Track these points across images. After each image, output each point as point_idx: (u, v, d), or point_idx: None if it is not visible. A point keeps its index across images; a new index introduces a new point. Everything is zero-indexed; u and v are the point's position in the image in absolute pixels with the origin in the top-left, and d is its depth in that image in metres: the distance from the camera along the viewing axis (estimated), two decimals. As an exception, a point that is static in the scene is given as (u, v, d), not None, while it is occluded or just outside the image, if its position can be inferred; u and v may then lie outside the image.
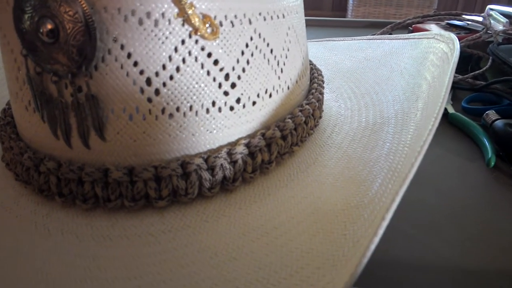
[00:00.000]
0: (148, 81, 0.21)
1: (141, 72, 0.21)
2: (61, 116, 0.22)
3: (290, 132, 0.26)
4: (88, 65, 0.21)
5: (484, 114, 0.45)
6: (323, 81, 0.33)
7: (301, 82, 0.29)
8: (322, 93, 0.31)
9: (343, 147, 0.28)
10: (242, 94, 0.24)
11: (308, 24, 0.88)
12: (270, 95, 0.26)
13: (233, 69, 0.23)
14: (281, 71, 0.26)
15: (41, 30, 0.20)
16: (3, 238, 0.23)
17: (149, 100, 0.21)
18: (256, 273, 0.19)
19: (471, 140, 0.45)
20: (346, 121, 0.32)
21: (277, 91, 0.26)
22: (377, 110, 0.32)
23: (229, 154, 0.23)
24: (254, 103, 0.25)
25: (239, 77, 0.23)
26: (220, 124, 0.23)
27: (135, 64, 0.21)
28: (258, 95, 0.25)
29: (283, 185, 0.25)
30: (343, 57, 0.45)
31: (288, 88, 0.27)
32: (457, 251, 0.30)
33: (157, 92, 0.21)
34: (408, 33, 0.73)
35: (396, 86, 0.34)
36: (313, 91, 0.31)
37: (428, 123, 0.22)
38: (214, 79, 0.23)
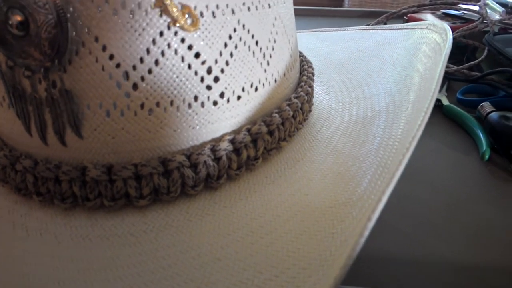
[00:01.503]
0: (125, 75, 0.20)
1: (118, 66, 0.20)
2: (35, 112, 0.21)
3: (277, 127, 0.25)
4: (61, 58, 0.20)
5: (479, 106, 0.45)
6: (313, 74, 0.32)
7: (289, 75, 0.28)
8: (311, 86, 0.31)
9: (332, 141, 0.27)
10: (226, 88, 0.23)
11: (302, 14, 0.87)
12: (256, 89, 0.25)
13: (216, 62, 0.22)
14: (268, 64, 0.25)
15: (10, 22, 0.19)
16: None
17: (127, 95, 0.21)
18: (240, 274, 0.18)
19: (465, 133, 0.44)
20: (336, 114, 0.31)
21: (263, 84, 0.25)
22: (368, 103, 0.31)
23: (213, 150, 0.23)
24: (239, 97, 0.24)
25: (222, 71, 0.22)
26: (203, 120, 0.22)
27: (111, 57, 0.20)
28: (243, 89, 0.24)
29: (270, 182, 0.24)
30: (335, 48, 0.44)
31: (275, 81, 0.26)
32: (451, 246, 0.30)
33: (135, 86, 0.20)
34: (403, 23, 0.73)
35: (388, 78, 0.33)
36: (302, 84, 0.30)
37: (418, 118, 0.22)
38: (196, 73, 0.22)
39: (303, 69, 0.32)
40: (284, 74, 0.27)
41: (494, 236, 0.30)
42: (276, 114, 0.25)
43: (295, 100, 0.27)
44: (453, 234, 0.31)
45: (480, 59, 0.55)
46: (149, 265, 0.20)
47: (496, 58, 0.54)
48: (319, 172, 0.25)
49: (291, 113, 0.26)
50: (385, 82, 0.33)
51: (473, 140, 0.43)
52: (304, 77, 0.30)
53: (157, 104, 0.21)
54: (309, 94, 0.30)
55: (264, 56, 0.25)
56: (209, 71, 0.22)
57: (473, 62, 0.55)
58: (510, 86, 0.49)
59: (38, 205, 0.24)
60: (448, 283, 0.27)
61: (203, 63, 0.22)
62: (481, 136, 0.41)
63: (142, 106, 0.21)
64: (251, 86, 0.24)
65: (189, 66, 0.21)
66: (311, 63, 0.34)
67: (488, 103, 0.44)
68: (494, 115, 0.41)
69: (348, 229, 0.19)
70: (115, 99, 0.20)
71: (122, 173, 0.21)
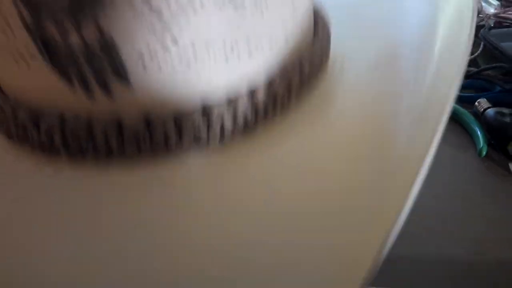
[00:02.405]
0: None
1: None
2: (70, 64, 0.20)
3: (302, 75, 0.25)
4: (95, 4, 0.18)
5: (476, 102, 0.46)
6: (329, 21, 0.32)
7: (310, 21, 0.28)
8: (329, 35, 0.30)
9: (356, 89, 0.27)
10: (262, 37, 0.22)
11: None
12: (287, 40, 0.24)
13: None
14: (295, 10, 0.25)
15: None
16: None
17: (169, 45, 0.19)
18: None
19: (462, 129, 0.45)
20: (354, 58, 0.31)
21: (292, 34, 0.24)
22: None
23: (250, 98, 0.22)
24: (271, 47, 0.23)
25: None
26: (239, 70, 0.22)
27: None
28: (276, 40, 0.23)
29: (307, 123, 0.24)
30: None
31: (301, 30, 0.26)
32: (446, 241, 0.30)
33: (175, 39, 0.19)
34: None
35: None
36: (319, 32, 0.29)
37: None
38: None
39: (319, 16, 0.31)
40: (307, 23, 0.27)
41: (491, 232, 0.32)
42: (305, 62, 0.25)
43: (317, 46, 0.27)
44: (449, 230, 0.32)
45: (476, 54, 0.56)
46: (185, 209, 0.20)
47: (492, 53, 0.55)
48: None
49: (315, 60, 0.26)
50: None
51: (470, 136, 0.43)
52: (321, 24, 0.30)
53: (196, 55, 0.20)
54: (328, 40, 0.29)
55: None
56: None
57: (468, 58, 0.55)
58: (506, 81, 0.50)
59: (66, 164, 0.22)
60: (442, 277, 0.28)
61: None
62: (478, 132, 0.42)
63: (183, 56, 0.20)
64: (283, 36, 0.24)
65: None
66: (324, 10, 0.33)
67: (485, 99, 0.45)
68: (491, 112, 0.42)
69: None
70: (155, 46, 0.19)
71: (162, 123, 0.21)
